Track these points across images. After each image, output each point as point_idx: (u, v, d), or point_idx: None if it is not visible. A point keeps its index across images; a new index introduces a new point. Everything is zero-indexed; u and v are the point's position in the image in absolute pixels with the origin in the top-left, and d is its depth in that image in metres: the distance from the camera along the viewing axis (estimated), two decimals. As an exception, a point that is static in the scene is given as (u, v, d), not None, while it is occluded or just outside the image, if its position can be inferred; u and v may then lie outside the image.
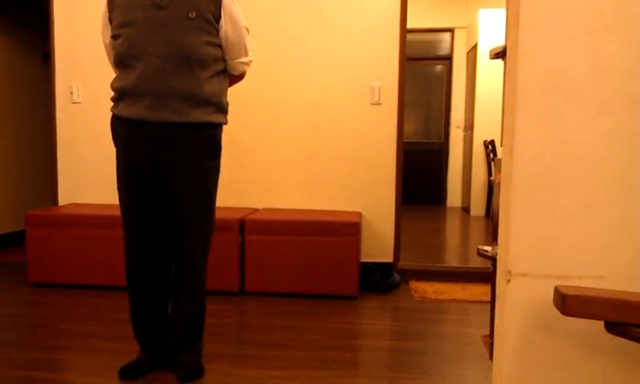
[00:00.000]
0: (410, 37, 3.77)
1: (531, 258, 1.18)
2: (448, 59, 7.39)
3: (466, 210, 7.00)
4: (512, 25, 1.19)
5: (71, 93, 3.92)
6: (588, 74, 1.14)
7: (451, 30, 7.31)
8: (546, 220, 1.17)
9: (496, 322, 1.25)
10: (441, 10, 7.15)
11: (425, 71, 7.49)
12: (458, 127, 7.37)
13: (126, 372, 2.17)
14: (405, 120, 3.79)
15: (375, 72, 3.67)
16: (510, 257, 1.19)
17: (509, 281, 1.19)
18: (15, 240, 4.65)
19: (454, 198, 7.46)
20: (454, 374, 2.29)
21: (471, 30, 6.87)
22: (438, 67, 7.51)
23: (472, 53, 6.78)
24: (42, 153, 4.86)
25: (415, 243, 4.85)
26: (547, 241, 1.17)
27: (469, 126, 6.91)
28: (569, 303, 1.00)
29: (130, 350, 2.31)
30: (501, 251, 1.24)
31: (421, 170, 7.35)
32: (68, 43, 3.90)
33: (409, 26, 3.70)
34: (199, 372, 2.19)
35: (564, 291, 1.01)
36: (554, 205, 1.17)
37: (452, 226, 6.32)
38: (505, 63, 1.39)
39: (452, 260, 4.52)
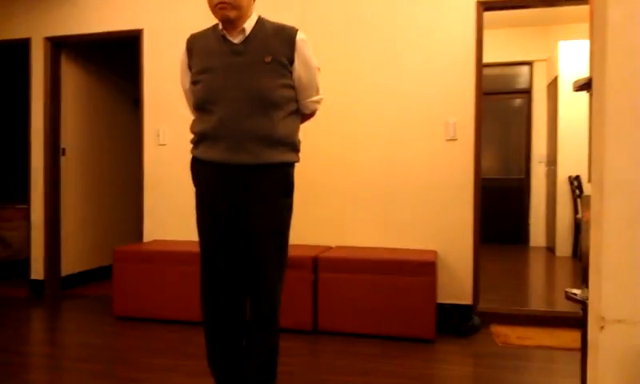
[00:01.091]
0: (486, 71, 3.70)
1: (628, 302, 1.08)
2: (527, 93, 7.16)
3: (550, 249, 6.63)
4: (598, 56, 1.13)
5: (158, 135, 4.16)
6: (687, 103, 1.05)
7: (530, 63, 7.11)
8: (644, 261, 1.07)
9: (588, 372, 1.15)
10: (518, 43, 6.99)
11: (503, 105, 7.30)
12: (539, 162, 7.07)
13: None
14: (483, 156, 3.68)
15: (450, 107, 3.61)
16: (603, 301, 1.09)
17: (602, 327, 1.09)
18: (104, 274, 4.93)
19: (537, 237, 7.10)
20: (541, 427, 2.13)
21: (551, 62, 6.65)
22: (517, 101, 7.29)
23: (553, 85, 6.54)
24: (130, 192, 5.16)
25: (496, 284, 4.63)
26: (646, 284, 1.07)
27: (551, 161, 6.61)
28: (674, 355, 0.90)
29: (206, 386, 2.34)
30: (592, 295, 1.15)
31: (501, 208, 7.07)
32: (156, 89, 4.17)
33: (485, 60, 3.63)
34: (272, 412, 2.17)
35: (668, 342, 0.91)
36: (653, 245, 1.07)
37: (536, 267, 5.99)
38: (590, 95, 1.32)
39: (537, 303, 4.26)
